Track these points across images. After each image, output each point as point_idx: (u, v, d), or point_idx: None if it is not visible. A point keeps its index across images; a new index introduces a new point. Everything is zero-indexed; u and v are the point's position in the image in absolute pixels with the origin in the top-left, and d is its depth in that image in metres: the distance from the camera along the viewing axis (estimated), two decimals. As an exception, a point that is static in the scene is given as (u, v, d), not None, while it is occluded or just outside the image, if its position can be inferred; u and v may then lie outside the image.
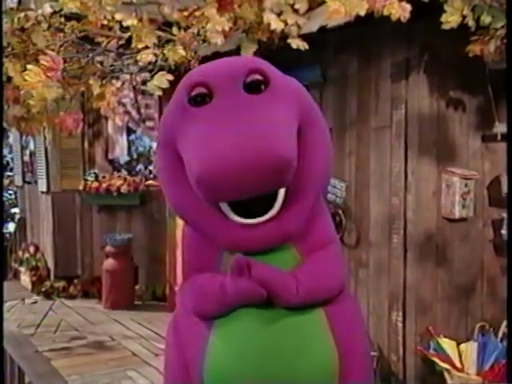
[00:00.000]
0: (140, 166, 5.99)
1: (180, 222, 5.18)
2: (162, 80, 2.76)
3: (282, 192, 1.39)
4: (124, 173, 5.86)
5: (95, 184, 5.63)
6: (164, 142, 1.48)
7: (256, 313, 1.47)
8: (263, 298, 1.43)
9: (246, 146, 1.26)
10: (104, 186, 5.60)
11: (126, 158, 5.97)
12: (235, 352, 1.48)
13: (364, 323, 1.73)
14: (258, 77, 1.39)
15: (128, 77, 3.26)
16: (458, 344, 3.09)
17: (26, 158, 6.65)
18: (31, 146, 6.40)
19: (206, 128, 1.33)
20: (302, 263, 1.50)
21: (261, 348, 1.47)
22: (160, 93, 2.90)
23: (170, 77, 2.81)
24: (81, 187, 5.66)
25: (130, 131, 5.88)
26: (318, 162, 1.45)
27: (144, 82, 3.17)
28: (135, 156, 5.99)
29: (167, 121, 1.48)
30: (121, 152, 5.95)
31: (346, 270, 1.62)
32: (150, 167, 6.00)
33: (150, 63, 2.89)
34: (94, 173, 5.72)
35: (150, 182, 5.79)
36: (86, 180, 5.69)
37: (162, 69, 2.87)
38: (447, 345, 3.07)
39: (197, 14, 2.84)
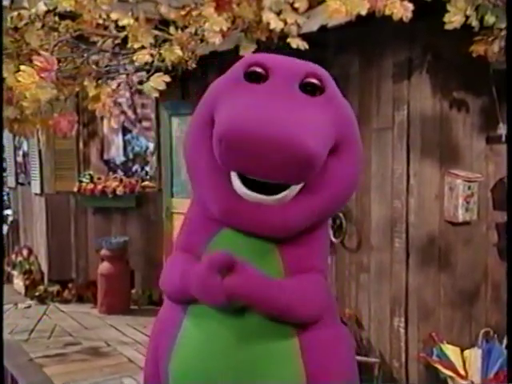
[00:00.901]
0: (136, 167, 5.99)
1: (177, 225, 5.16)
2: (159, 81, 2.76)
3: (296, 187, 1.41)
4: (120, 173, 5.85)
5: (90, 185, 5.62)
6: (204, 102, 1.52)
7: (230, 324, 1.49)
8: (223, 306, 1.44)
9: (276, 125, 1.30)
10: (99, 187, 5.59)
11: (122, 159, 5.97)
12: (200, 357, 1.51)
13: (348, 354, 1.66)
14: (316, 81, 1.45)
15: (124, 77, 3.26)
16: (462, 350, 3.10)
17: (19, 159, 6.64)
18: (24, 146, 6.39)
19: (247, 99, 1.37)
20: (288, 278, 1.51)
21: (226, 359, 1.49)
22: (157, 94, 2.90)
23: (167, 78, 2.81)
24: (75, 189, 5.65)
25: (125, 131, 5.89)
26: (337, 187, 1.48)
27: (140, 82, 3.17)
28: (131, 156, 5.98)
29: (216, 86, 1.53)
30: (116, 152, 5.95)
31: (327, 301, 1.61)
32: (147, 168, 6.01)
33: (146, 64, 2.90)
34: (89, 174, 5.71)
35: (146, 183, 5.80)
36: (80, 181, 5.69)
37: (158, 69, 2.87)
38: (451, 351, 3.08)
39: (194, 13, 2.85)
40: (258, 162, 1.31)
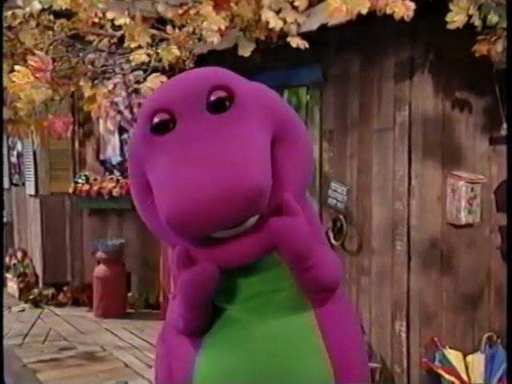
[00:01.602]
0: (133, 167, 5.98)
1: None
2: (156, 82, 2.77)
3: None
4: (116, 174, 5.85)
5: (86, 187, 5.62)
6: (132, 168, 1.49)
7: (244, 328, 1.49)
8: (214, 274, 1.40)
9: (212, 182, 1.24)
10: (95, 188, 5.59)
11: (119, 159, 5.96)
12: (223, 369, 1.50)
13: (360, 335, 1.73)
14: (222, 94, 1.36)
15: (120, 77, 3.27)
16: (465, 355, 3.11)
17: (14, 159, 6.64)
18: (18, 146, 6.40)
19: (170, 163, 1.32)
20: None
21: (248, 365, 1.48)
22: (153, 95, 2.90)
23: (164, 78, 2.81)
24: (71, 190, 5.66)
25: (122, 130, 5.88)
26: (291, 176, 1.43)
27: (137, 81, 3.17)
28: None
29: (133, 148, 1.48)
30: (113, 152, 5.95)
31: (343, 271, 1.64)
32: (143, 168, 5.99)
33: (143, 63, 2.90)
34: (85, 175, 5.72)
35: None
36: (76, 182, 5.69)
37: (155, 69, 2.88)
38: (453, 356, 3.08)
39: (192, 11, 2.85)
40: (214, 223, 1.29)
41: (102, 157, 5.92)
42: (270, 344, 1.49)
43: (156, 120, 1.36)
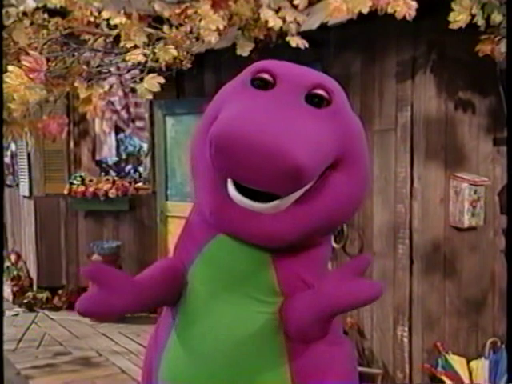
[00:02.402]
0: (129, 167, 6.00)
1: (172, 229, 5.09)
2: (153, 83, 2.78)
3: (290, 197, 1.43)
4: (112, 174, 5.86)
5: (81, 188, 5.63)
6: (211, 106, 1.57)
7: (216, 335, 1.53)
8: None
9: (267, 134, 1.33)
10: (91, 190, 5.60)
11: (115, 159, 5.98)
12: (181, 372, 1.57)
13: (344, 366, 1.64)
14: (323, 93, 1.47)
15: (116, 77, 3.27)
16: (468, 361, 3.12)
17: (7, 160, 6.65)
18: (12, 147, 6.40)
19: (247, 104, 1.41)
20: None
21: (211, 373, 1.52)
22: (150, 97, 2.91)
23: (161, 79, 2.82)
24: (66, 191, 5.66)
25: (118, 130, 5.89)
26: (333, 202, 1.49)
27: (134, 81, 3.17)
28: (124, 156, 5.99)
29: (223, 90, 1.58)
30: (109, 152, 5.96)
31: None
32: (140, 169, 6.01)
33: (139, 63, 2.91)
34: (80, 176, 5.72)
35: (139, 185, 5.80)
36: (71, 184, 5.69)
37: (152, 70, 2.88)
38: (456, 362, 3.09)
39: (190, 10, 2.86)
40: (245, 168, 1.35)
41: (97, 157, 5.93)
42: (233, 355, 1.51)
43: (260, 75, 1.48)
